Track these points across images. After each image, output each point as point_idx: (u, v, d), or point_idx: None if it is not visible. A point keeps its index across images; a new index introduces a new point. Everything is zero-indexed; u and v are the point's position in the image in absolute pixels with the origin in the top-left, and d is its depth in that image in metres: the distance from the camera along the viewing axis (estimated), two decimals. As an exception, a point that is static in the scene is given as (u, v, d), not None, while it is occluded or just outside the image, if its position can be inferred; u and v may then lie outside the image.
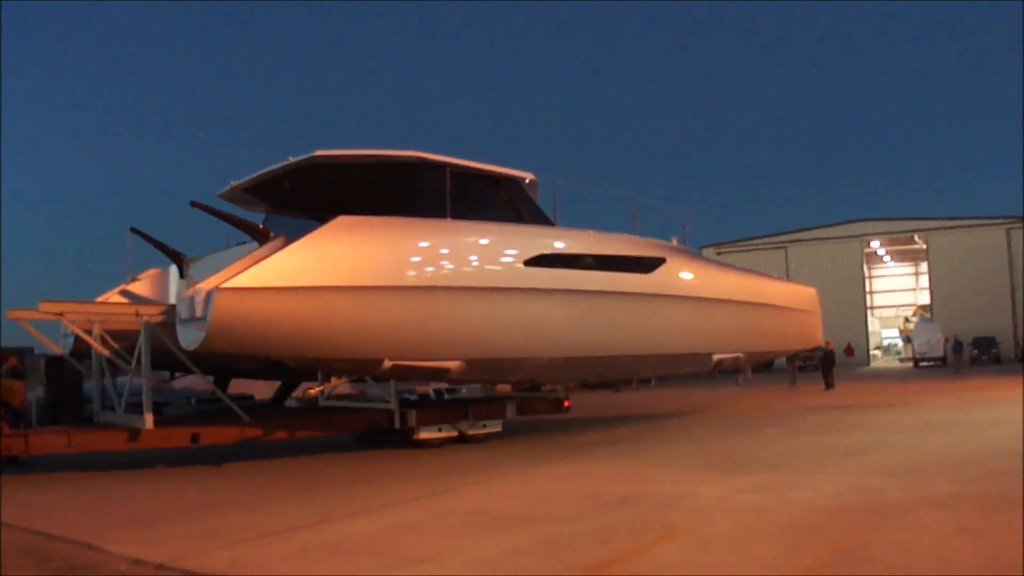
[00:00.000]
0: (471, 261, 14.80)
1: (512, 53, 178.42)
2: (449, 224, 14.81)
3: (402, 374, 15.09)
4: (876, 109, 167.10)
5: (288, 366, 14.46)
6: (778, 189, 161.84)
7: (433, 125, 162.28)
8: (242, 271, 12.73)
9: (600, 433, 18.55)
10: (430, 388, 22.08)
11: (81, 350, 15.44)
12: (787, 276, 62.91)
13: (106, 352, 14.11)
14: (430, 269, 14.27)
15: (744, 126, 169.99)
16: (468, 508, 10.06)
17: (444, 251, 14.55)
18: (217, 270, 13.94)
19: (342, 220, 13.62)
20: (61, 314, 14.07)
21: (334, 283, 13.14)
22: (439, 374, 15.20)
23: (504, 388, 21.86)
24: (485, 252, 15.03)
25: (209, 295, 12.31)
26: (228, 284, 12.35)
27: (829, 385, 33.17)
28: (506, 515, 9.35)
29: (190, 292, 12.84)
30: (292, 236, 13.63)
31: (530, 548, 7.70)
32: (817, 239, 68.44)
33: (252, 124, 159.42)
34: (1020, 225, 62.04)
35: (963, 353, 49.85)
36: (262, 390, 19.89)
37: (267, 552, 7.98)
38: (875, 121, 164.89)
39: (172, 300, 16.23)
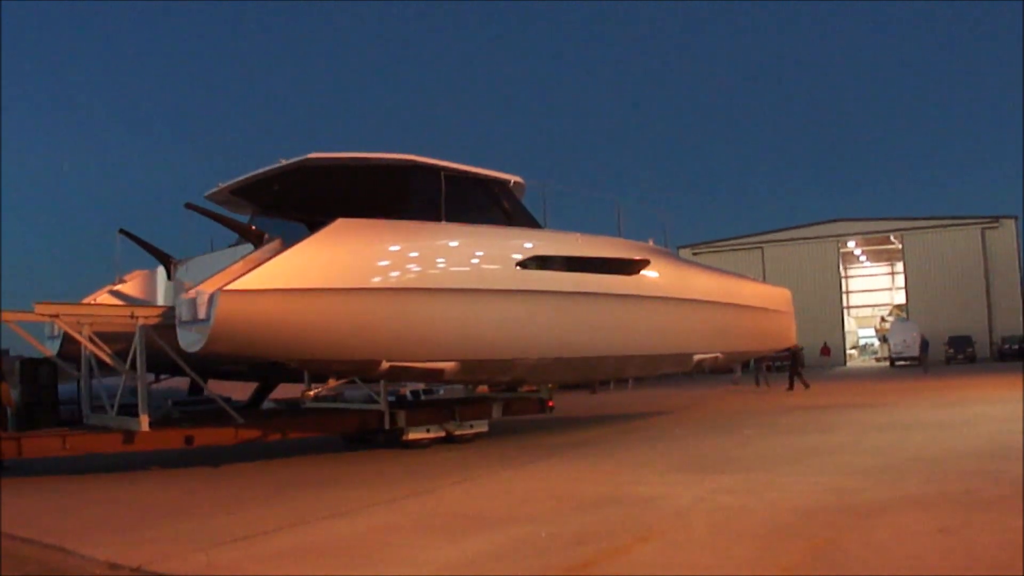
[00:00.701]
0: (466, 263, 14.96)
1: (481, 52, 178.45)
2: (445, 227, 14.95)
3: (398, 375, 15.23)
4: (852, 110, 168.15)
5: (288, 368, 14.55)
6: (754, 189, 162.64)
7: (408, 125, 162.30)
8: (243, 273, 12.74)
9: (578, 434, 18.59)
10: (407, 389, 22.02)
11: (68, 352, 15.37)
12: (763, 276, 63.31)
13: (102, 355, 14.01)
14: (428, 271, 14.40)
15: (720, 127, 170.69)
16: (446, 510, 10.07)
17: (441, 253, 14.71)
18: (207, 272, 14.02)
19: (342, 222, 13.68)
20: (56, 316, 14.02)
21: (335, 285, 13.25)
22: (433, 375, 15.29)
23: (482, 389, 21.92)
24: (479, 254, 15.19)
25: (212, 297, 12.32)
26: (231, 286, 12.38)
27: (792, 386, 33.25)
28: (484, 516, 9.36)
29: (191, 294, 12.81)
30: (286, 238, 13.70)
31: (508, 549, 7.71)
32: (793, 239, 68.71)
33: (236, 125, 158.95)
34: (995, 225, 62.61)
35: (929, 352, 50.45)
36: (231, 390, 19.77)
37: (244, 554, 7.95)
38: (851, 122, 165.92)
39: (160, 302, 16.28)
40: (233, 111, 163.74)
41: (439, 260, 14.62)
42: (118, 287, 16.85)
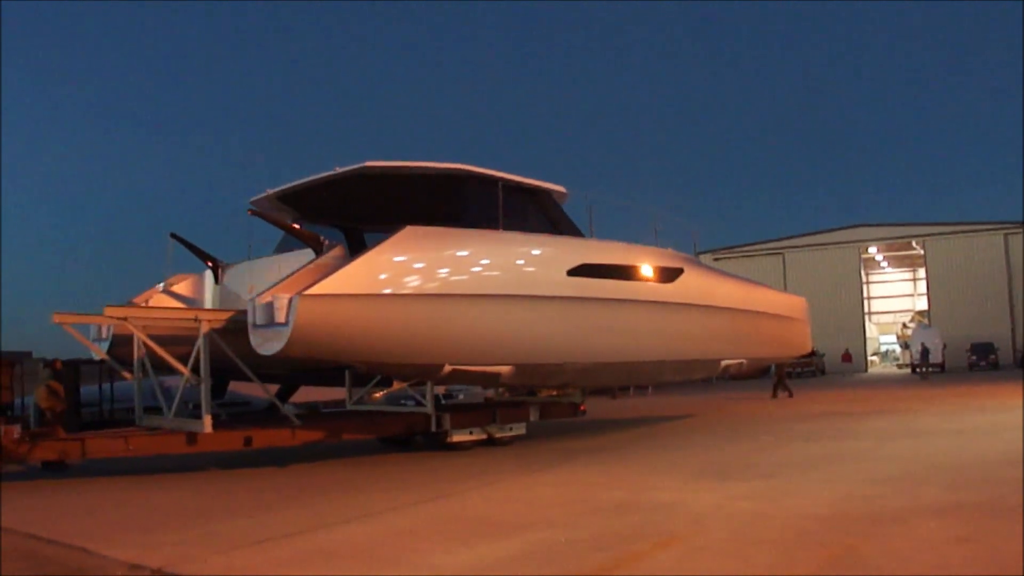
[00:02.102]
0: (522, 270, 15.48)
1: (492, 55, 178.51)
2: (503, 235, 15.42)
3: (458, 378, 15.65)
4: (874, 114, 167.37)
5: (360, 371, 15.12)
6: (775, 195, 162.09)
7: (409, 125, 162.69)
8: (317, 278, 13.06)
9: (597, 439, 18.58)
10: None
11: (117, 354, 15.61)
12: (784, 282, 63.31)
13: (170, 359, 14.16)
14: (488, 278, 14.84)
15: (740, 131, 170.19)
16: (464, 514, 10.09)
17: (500, 261, 15.18)
18: (259, 277, 15.04)
19: (410, 230, 14.08)
20: (125, 319, 14.29)
21: (405, 291, 13.70)
22: (490, 378, 15.74)
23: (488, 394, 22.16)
24: (534, 262, 15.73)
25: (291, 301, 12.61)
26: (310, 291, 12.70)
27: (776, 395, 33.61)
28: (502, 521, 9.36)
29: (266, 298, 13.02)
30: (352, 246, 14.26)
31: (525, 555, 7.71)
32: (814, 245, 68.38)
33: (236, 128, 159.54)
34: (1018, 231, 62.10)
35: (930, 359, 51.31)
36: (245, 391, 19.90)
37: (263, 558, 8.00)
38: (873, 127, 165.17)
39: (208, 305, 16.63)
40: (233, 114, 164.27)
41: (498, 267, 15.09)
42: (164, 290, 17.05)
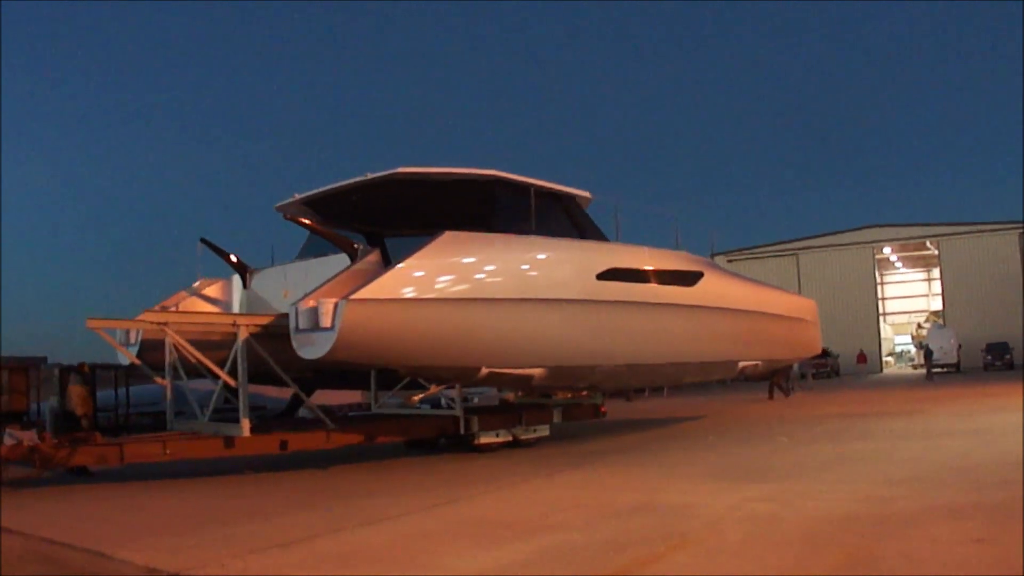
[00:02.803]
0: (555, 274, 15.66)
1: (504, 54, 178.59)
2: (536, 240, 15.74)
3: (494, 381, 16.23)
4: (887, 114, 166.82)
5: (400, 373, 15.44)
6: (788, 196, 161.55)
7: (411, 126, 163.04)
8: (360, 283, 13.29)
9: (611, 441, 18.59)
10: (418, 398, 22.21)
11: (145, 359, 15.69)
12: (799, 283, 63.27)
13: (210, 364, 14.28)
14: (523, 282, 15.11)
15: (753, 132, 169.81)
16: (480, 517, 10.09)
17: (534, 265, 15.48)
18: (292, 282, 15.50)
19: (449, 235, 14.34)
20: (165, 323, 14.42)
21: (446, 295, 13.97)
22: (523, 381, 15.90)
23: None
24: (566, 266, 15.94)
25: (337, 306, 12.79)
26: (356, 295, 12.92)
27: (772, 394, 34.32)
28: (518, 524, 9.36)
29: (310, 303, 13.17)
30: (392, 251, 14.60)
31: (541, 557, 7.73)
32: (828, 246, 68.21)
33: (237, 131, 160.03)
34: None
35: (933, 360, 51.58)
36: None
37: (279, 561, 8.03)
38: (886, 126, 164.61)
39: (236, 310, 16.80)
40: (245, 119, 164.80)
41: (533, 271, 15.38)
42: (192, 295, 17.16)
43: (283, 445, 14.82)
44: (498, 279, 14.73)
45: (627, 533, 8.57)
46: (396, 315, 13.36)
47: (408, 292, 13.54)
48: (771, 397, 33.93)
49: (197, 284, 17.30)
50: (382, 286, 13.25)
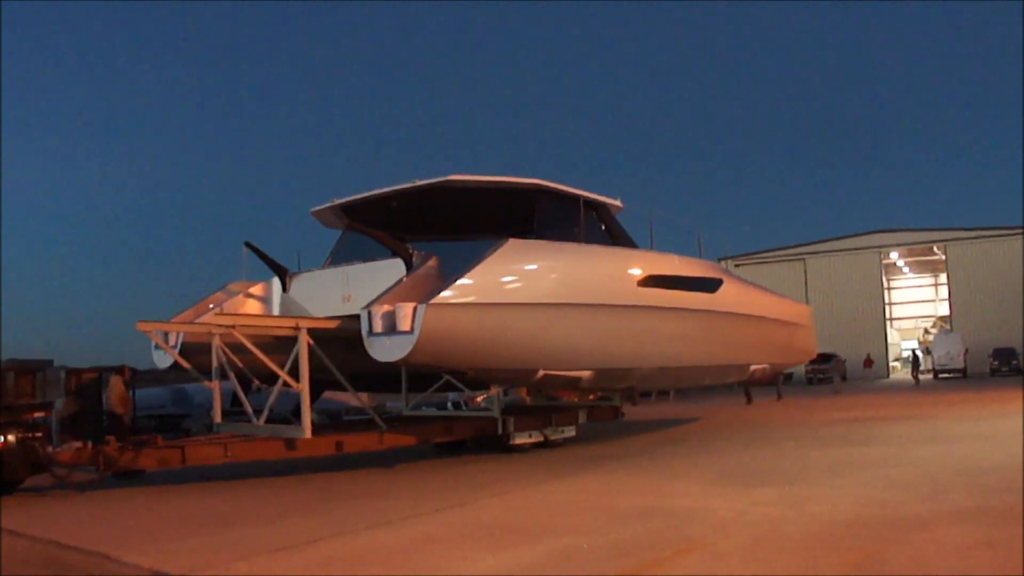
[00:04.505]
0: (603, 281, 16.32)
1: (502, 53, 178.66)
2: (585, 248, 16.43)
3: (548, 383, 16.83)
4: (895, 119, 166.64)
5: (467, 376, 15.74)
6: (795, 200, 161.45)
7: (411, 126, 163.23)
8: (435, 287, 13.68)
9: (617, 445, 18.59)
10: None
11: (190, 362, 15.79)
12: (806, 288, 63.24)
13: (273, 366, 14.38)
14: (577, 287, 15.64)
15: (761, 136, 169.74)
16: (486, 521, 10.08)
17: (585, 272, 16.06)
18: (335, 286, 15.92)
19: (513, 243, 14.88)
20: (233, 327, 14.67)
21: (514, 300, 14.52)
22: (572, 383, 16.57)
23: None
24: (612, 273, 16.66)
25: (416, 309, 13.12)
26: (435, 300, 13.29)
27: (750, 399, 34.88)
28: (524, 528, 9.36)
29: (385, 307, 13.43)
30: (451, 257, 14.81)
31: (548, 561, 7.72)
32: (835, 251, 67.97)
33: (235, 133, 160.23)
34: (1041, 236, 61.66)
35: (920, 368, 52.16)
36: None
37: (285, 564, 8.04)
38: (894, 131, 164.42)
39: (276, 312, 17.05)
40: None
41: (584, 278, 15.96)
42: (231, 297, 17.22)
43: (339, 446, 15.14)
44: (557, 285, 15.31)
45: (634, 537, 8.56)
46: (470, 319, 13.79)
47: (480, 297, 13.99)
48: (749, 402, 34.49)
49: (232, 286, 17.43)
50: (458, 291, 13.67)
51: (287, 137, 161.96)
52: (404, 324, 13.17)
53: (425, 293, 13.54)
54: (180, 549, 8.84)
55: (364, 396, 17.25)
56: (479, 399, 17.62)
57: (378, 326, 13.46)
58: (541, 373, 15.28)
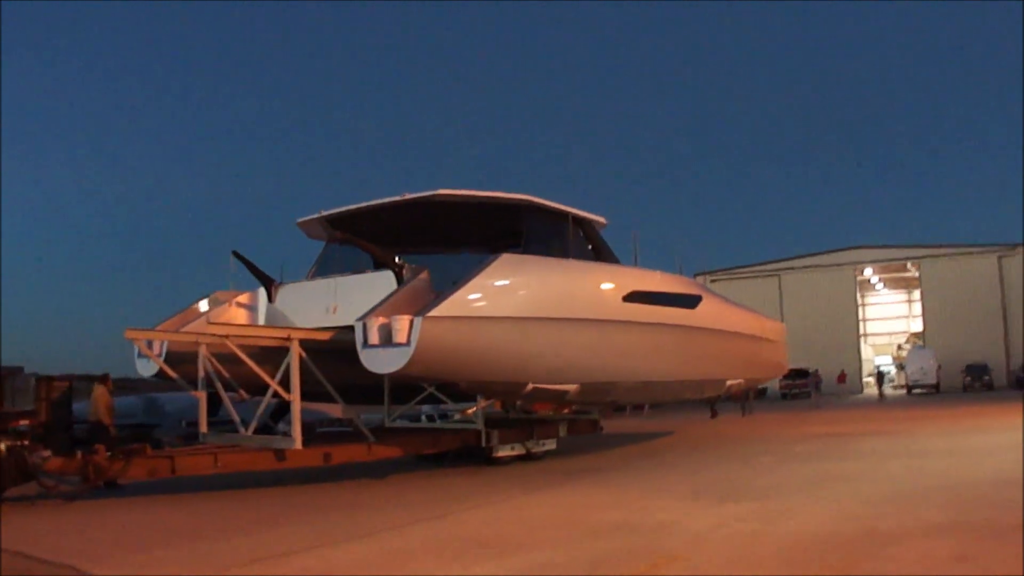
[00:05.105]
0: (590, 296, 16.59)
1: (474, 60, 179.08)
2: (576, 263, 16.81)
3: (536, 396, 16.70)
4: (869, 135, 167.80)
5: (460, 388, 15.72)
6: (770, 216, 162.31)
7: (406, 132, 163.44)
8: (431, 301, 13.80)
9: (593, 460, 18.57)
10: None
11: (176, 372, 15.74)
12: (781, 304, 63.74)
13: (265, 376, 14.36)
14: (566, 302, 15.85)
15: (735, 152, 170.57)
16: (461, 535, 10.03)
17: (574, 287, 16.30)
18: (321, 297, 15.98)
19: (506, 257, 15.06)
20: (227, 336, 14.56)
21: (507, 314, 14.64)
22: (559, 396, 16.78)
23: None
24: (599, 288, 16.92)
25: (413, 322, 13.21)
26: (432, 312, 13.39)
27: (714, 414, 36.37)
28: (500, 542, 9.32)
29: (381, 319, 13.49)
30: (438, 270, 15.12)
31: (523, 574, 7.67)
32: (810, 267, 68.50)
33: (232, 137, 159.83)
34: (1012, 253, 62.33)
35: (885, 384, 54.10)
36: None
37: (257, 577, 7.96)
38: (868, 148, 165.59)
39: (261, 322, 17.03)
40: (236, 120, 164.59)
41: (573, 293, 16.18)
42: (216, 306, 17.09)
43: (327, 458, 15.13)
44: (547, 300, 15.45)
45: (608, 552, 8.53)
46: (464, 332, 13.89)
47: (475, 311, 14.12)
48: (713, 416, 35.47)
49: (217, 295, 17.32)
50: (454, 304, 13.76)
51: (271, 147, 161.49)
52: (400, 336, 13.25)
53: (420, 306, 13.64)
54: (151, 560, 8.76)
55: (338, 408, 17.18)
56: (470, 411, 17.58)
57: (374, 338, 13.52)
58: (530, 386, 15.40)
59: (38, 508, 13.23)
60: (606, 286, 17.01)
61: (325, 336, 14.88)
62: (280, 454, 14.45)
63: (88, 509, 13.19)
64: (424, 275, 14.85)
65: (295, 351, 14.22)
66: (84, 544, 10.13)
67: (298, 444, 14.16)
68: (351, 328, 13.93)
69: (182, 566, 8.47)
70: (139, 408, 22.21)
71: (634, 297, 17.14)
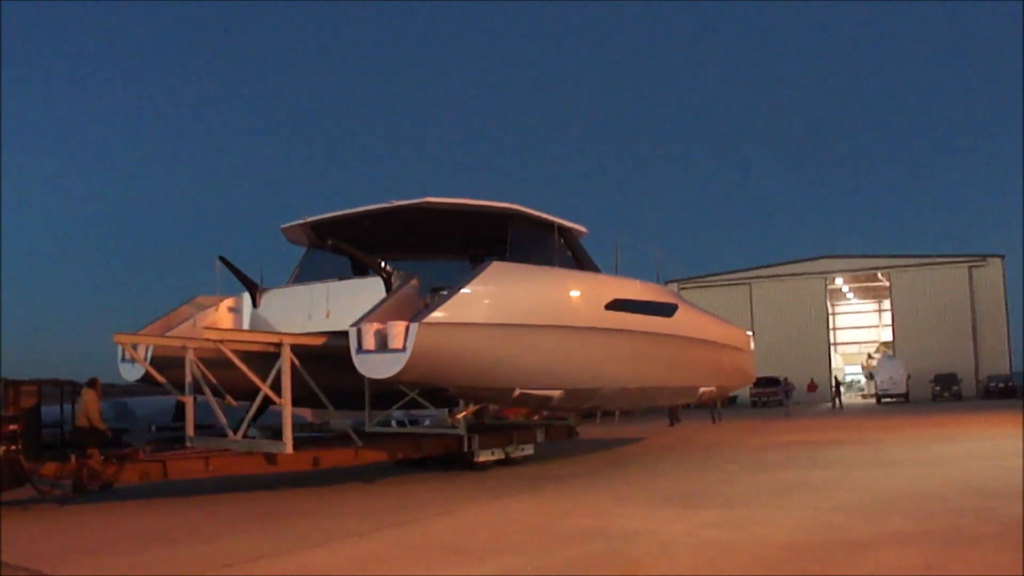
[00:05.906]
0: (575, 304, 16.79)
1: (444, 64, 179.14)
2: (563, 272, 16.93)
3: (523, 401, 16.91)
4: (843, 146, 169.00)
5: (451, 393, 15.97)
6: (742, 225, 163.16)
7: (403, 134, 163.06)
8: (426, 307, 13.99)
9: (563, 466, 18.60)
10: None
11: (151, 376, 15.70)
12: (751, 312, 64.07)
13: (257, 380, 14.32)
14: (554, 310, 16.08)
15: (707, 161, 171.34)
16: (429, 541, 10.00)
17: (561, 295, 16.53)
18: (307, 303, 16.12)
19: (497, 265, 15.30)
20: (222, 341, 14.47)
21: (498, 320, 14.77)
22: (544, 402, 17.14)
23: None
24: (583, 296, 17.06)
25: (409, 328, 13.33)
26: (428, 319, 13.52)
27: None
28: (468, 548, 9.30)
29: (376, 325, 13.61)
30: (425, 277, 15.55)
31: (491, 581, 7.66)
32: (781, 276, 68.88)
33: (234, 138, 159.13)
34: (982, 264, 63.00)
35: (842, 392, 55.65)
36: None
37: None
38: (840, 159, 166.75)
39: (245, 327, 17.00)
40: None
41: (559, 300, 16.43)
42: (200, 311, 17.05)
43: (315, 462, 15.36)
44: (535, 306, 15.63)
45: (577, 558, 8.51)
46: (458, 338, 14.04)
47: (467, 317, 14.25)
48: (672, 424, 35.90)
49: (201, 300, 17.32)
50: (448, 310, 13.90)
51: (258, 153, 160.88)
52: (396, 342, 13.35)
53: (413, 312, 13.86)
54: (114, 566, 8.70)
55: (308, 412, 17.20)
56: (459, 416, 17.62)
57: (369, 343, 13.61)
58: (517, 392, 15.58)
59: (15, 512, 13.09)
60: (590, 294, 17.26)
61: (317, 341, 14.96)
62: (271, 458, 14.61)
63: (55, 513, 13.07)
64: (414, 282, 15.11)
65: (286, 356, 14.21)
66: (49, 548, 10.05)
67: (289, 448, 14.17)
68: (340, 333, 14.05)
69: (144, 570, 8.42)
70: (109, 413, 22.10)
71: (615, 305, 17.39)
